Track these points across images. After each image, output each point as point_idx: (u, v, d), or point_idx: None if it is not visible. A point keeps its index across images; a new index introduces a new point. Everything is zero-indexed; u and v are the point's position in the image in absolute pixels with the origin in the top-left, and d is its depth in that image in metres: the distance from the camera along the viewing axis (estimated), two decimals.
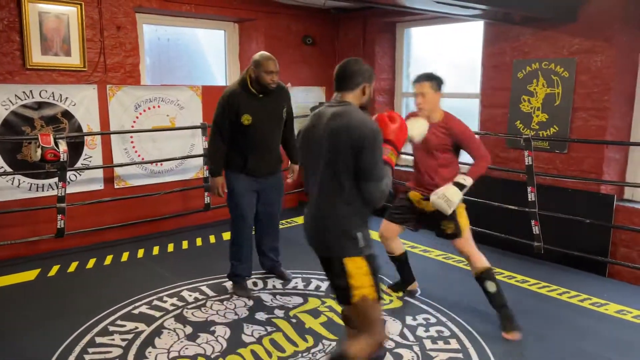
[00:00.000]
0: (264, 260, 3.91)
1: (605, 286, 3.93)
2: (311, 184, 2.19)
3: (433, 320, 3.28)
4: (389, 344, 2.93)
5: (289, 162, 3.88)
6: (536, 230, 4.23)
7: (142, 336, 3.00)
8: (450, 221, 3.25)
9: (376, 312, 2.20)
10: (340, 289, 2.14)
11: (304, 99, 6.13)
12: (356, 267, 2.09)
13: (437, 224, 3.33)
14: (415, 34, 6.11)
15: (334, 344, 2.94)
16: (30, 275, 3.93)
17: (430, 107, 3.23)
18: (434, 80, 3.22)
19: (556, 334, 3.15)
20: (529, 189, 4.23)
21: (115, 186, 4.83)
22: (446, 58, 5.82)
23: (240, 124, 3.40)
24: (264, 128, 3.48)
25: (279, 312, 3.34)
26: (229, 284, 3.74)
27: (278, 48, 5.86)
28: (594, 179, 4.21)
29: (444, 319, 3.28)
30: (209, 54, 5.94)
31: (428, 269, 4.24)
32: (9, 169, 4.22)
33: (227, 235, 4.98)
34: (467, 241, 3.30)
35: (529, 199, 4.23)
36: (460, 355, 2.87)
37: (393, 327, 3.18)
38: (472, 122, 5.31)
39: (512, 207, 4.43)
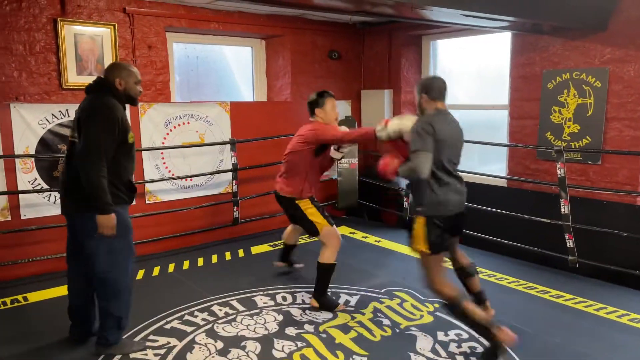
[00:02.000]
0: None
1: None
2: (452, 170, 3.00)
3: (465, 336, 3.22)
4: None
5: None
6: (570, 243, 4.13)
7: (175, 351, 3.03)
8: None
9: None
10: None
11: None
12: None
13: None
14: (441, 46, 6.09)
15: (364, 359, 2.92)
16: (64, 290, 4.01)
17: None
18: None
19: (595, 351, 3.05)
20: (562, 201, 4.14)
21: (147, 201, 4.92)
22: (473, 69, 5.78)
23: (126, 143, 2.87)
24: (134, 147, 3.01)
25: (309, 327, 3.33)
26: (258, 298, 3.75)
27: (304, 63, 5.93)
28: (629, 191, 4.10)
29: (476, 335, 3.22)
30: (236, 70, 6.04)
31: (459, 283, 4.17)
32: (45, 186, 4.35)
33: (255, 249, 5.04)
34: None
35: (562, 212, 4.14)
36: None
37: (424, 343, 3.13)
38: (501, 134, 5.25)
39: (544, 220, 4.34)
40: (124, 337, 3.08)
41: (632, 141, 4.14)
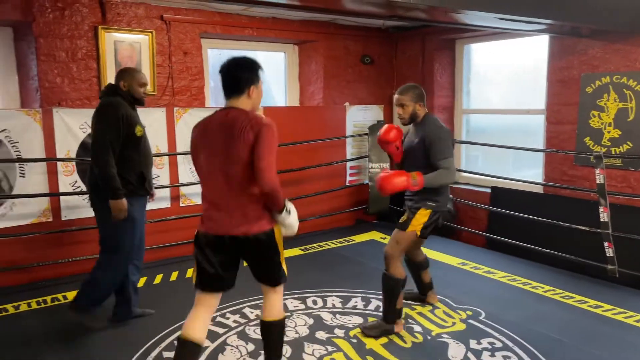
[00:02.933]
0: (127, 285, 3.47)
1: None
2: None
3: (499, 345, 3.16)
4: None
5: None
6: (610, 252, 4.01)
7: (207, 352, 3.07)
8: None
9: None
10: None
11: (362, 118, 6.16)
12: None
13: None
14: (476, 50, 6.01)
15: None
16: None
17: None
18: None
19: None
20: (601, 209, 4.02)
21: (181, 204, 5.02)
22: (508, 73, 5.68)
23: (133, 136, 3.19)
24: (147, 141, 3.37)
25: (339, 332, 3.32)
26: (289, 302, 3.77)
27: (337, 68, 5.96)
28: None
29: (510, 344, 3.15)
30: (269, 75, 6.10)
31: (492, 290, 4.10)
32: (85, 188, 4.48)
33: (287, 253, 5.02)
34: None
35: (602, 219, 4.01)
36: None
37: (456, 350, 3.09)
38: (536, 140, 5.15)
39: (582, 228, 4.21)
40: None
41: None
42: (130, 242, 3.28)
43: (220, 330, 3.36)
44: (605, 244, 4.03)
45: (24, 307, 3.80)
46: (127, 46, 4.60)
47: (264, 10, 5.06)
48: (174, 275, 4.46)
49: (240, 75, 2.41)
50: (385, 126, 3.34)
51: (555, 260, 4.49)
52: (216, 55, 5.55)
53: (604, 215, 4.00)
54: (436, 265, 4.73)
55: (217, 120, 2.41)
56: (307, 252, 5.14)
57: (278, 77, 6.11)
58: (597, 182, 4.03)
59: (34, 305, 3.82)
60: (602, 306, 3.75)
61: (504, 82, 5.79)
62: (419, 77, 6.13)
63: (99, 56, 4.46)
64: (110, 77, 4.52)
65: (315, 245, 5.34)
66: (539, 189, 5.03)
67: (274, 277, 2.60)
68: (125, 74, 3.30)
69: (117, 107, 3.16)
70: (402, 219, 3.33)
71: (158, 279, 4.39)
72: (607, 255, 4.03)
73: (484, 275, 4.46)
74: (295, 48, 6.05)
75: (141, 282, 4.30)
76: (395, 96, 3.33)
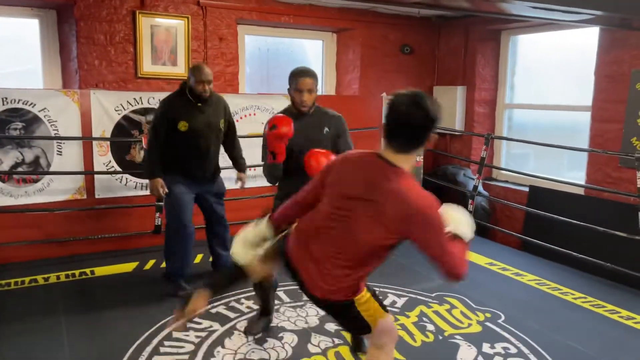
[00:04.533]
0: (215, 259, 4.10)
1: None
2: None
3: (513, 350, 3.02)
4: None
5: (237, 172, 4.10)
6: None
7: (214, 335, 3.11)
8: None
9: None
10: None
11: None
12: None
13: None
14: (522, 41, 5.73)
15: None
16: (128, 267, 4.27)
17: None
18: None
19: None
20: None
21: None
22: (557, 67, 5.39)
23: (177, 130, 3.53)
24: (201, 135, 3.61)
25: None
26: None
27: (374, 57, 5.84)
28: None
29: (526, 351, 3.01)
30: (307, 63, 6.07)
31: (517, 293, 3.94)
32: (118, 168, 4.63)
33: None
34: None
35: None
36: None
37: (466, 353, 2.98)
38: (582, 138, 4.86)
39: (621, 234, 3.95)
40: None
41: None
42: (170, 216, 3.69)
43: (232, 315, 3.40)
44: None
45: (53, 279, 3.98)
46: (163, 31, 4.68)
47: None
48: (198, 258, 4.54)
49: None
50: (278, 117, 2.73)
51: (590, 266, 4.24)
52: (254, 41, 5.57)
53: None
54: None
55: None
56: None
57: (316, 65, 6.06)
58: (638, 185, 3.76)
59: (63, 278, 4.00)
60: (635, 318, 3.51)
61: (552, 77, 5.49)
62: (461, 68, 5.92)
63: (136, 40, 4.57)
64: (145, 61, 4.64)
65: None
66: (579, 191, 4.76)
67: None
68: (190, 71, 3.62)
69: (163, 103, 3.66)
70: None
71: None
72: None
73: (512, 277, 4.28)
74: (334, 36, 5.97)
75: (197, 258, 4.43)
76: (307, 79, 2.82)
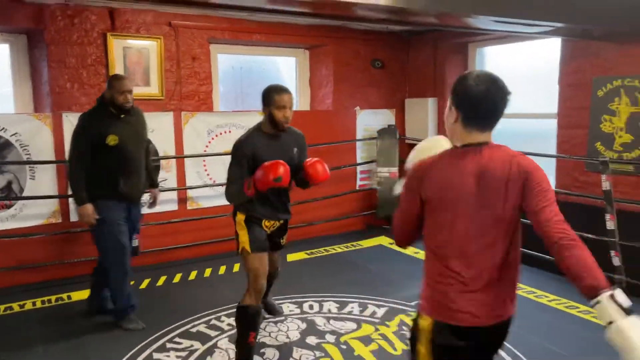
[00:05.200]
0: (100, 301, 3.69)
1: None
2: None
3: None
4: None
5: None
6: (617, 261, 3.86)
7: (195, 354, 3.10)
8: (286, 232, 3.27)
9: (250, 263, 2.91)
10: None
11: (373, 122, 6.12)
12: (238, 223, 2.95)
13: (281, 235, 3.22)
14: (489, 53, 5.90)
15: None
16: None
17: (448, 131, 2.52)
18: None
19: None
20: (608, 216, 3.88)
21: (188, 207, 5.09)
22: (523, 77, 5.55)
23: (105, 145, 3.28)
24: (132, 149, 3.41)
25: (330, 337, 3.31)
26: (285, 306, 3.78)
27: (346, 72, 5.94)
28: None
29: (503, 354, 3.07)
30: (280, 80, 6.14)
31: None
32: None
33: (291, 257, 5.07)
34: None
35: (608, 227, 3.88)
36: None
37: None
38: (551, 144, 5.01)
39: (589, 236, 4.07)
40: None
41: None
42: (105, 243, 3.41)
43: (213, 333, 3.39)
44: (612, 253, 3.89)
45: (29, 305, 3.92)
46: (135, 52, 4.70)
47: (272, 16, 5.09)
48: (177, 277, 4.52)
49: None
50: (281, 168, 2.69)
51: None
52: (227, 60, 5.62)
53: (610, 223, 3.86)
54: None
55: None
56: (312, 256, 5.13)
57: (289, 81, 6.14)
58: (603, 188, 3.90)
59: (39, 305, 3.94)
60: None
61: (519, 86, 5.66)
62: (431, 80, 6.06)
63: (108, 62, 4.58)
64: None
65: (321, 249, 5.33)
66: None
67: None
68: (108, 83, 3.41)
69: (83, 119, 3.38)
70: (285, 238, 3.29)
71: (161, 280, 4.46)
72: (614, 264, 3.89)
73: None
74: (306, 52, 6.07)
75: (145, 283, 4.39)
76: (286, 96, 2.84)
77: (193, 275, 4.59)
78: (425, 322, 1.68)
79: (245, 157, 2.82)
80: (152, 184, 3.82)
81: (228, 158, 5.09)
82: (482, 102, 1.68)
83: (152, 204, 3.92)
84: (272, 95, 2.84)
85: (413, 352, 1.75)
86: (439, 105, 6.02)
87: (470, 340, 1.66)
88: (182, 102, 4.99)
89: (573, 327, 3.51)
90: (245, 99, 5.84)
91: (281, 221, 3.09)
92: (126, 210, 3.46)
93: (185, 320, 3.59)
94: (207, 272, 4.66)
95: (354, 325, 3.49)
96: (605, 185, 3.88)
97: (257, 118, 5.33)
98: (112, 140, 3.31)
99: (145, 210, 3.93)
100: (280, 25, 5.40)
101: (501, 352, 3.06)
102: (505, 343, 1.80)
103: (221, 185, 5.16)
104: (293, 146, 3.00)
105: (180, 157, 4.97)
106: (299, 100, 6.12)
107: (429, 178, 1.69)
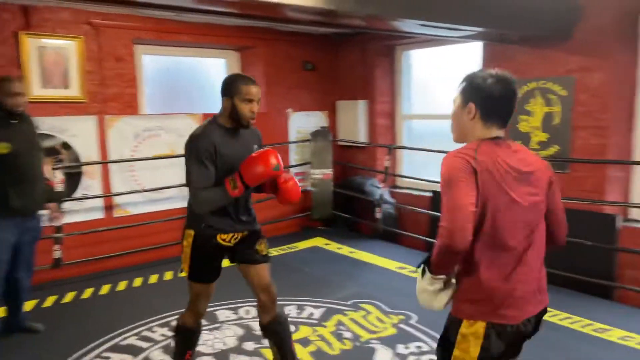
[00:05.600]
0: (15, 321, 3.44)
1: (611, 311, 3.77)
2: None
3: (426, 348, 3.18)
4: None
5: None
6: None
7: None
8: (264, 240, 2.68)
9: (191, 287, 2.61)
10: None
11: (305, 124, 6.14)
12: (187, 241, 2.52)
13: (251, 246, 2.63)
14: (416, 56, 6.09)
15: None
16: (27, 306, 3.94)
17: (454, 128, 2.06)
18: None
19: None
20: None
21: (115, 215, 4.87)
22: (448, 79, 5.78)
23: None
24: (26, 156, 3.12)
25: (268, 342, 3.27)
26: (220, 312, 3.70)
27: (278, 74, 5.93)
28: (595, 200, 4.09)
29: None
30: (210, 82, 6.02)
31: None
32: None
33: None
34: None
35: None
36: None
37: (383, 356, 3.08)
38: None
39: None
40: None
41: (598, 149, 4.13)
42: None
43: (145, 345, 3.26)
44: None
45: None
46: (52, 52, 4.43)
47: (200, 17, 4.98)
48: (105, 289, 4.30)
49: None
50: (274, 153, 2.40)
51: None
52: (154, 61, 5.43)
53: None
54: (375, 269, 4.76)
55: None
56: None
57: (219, 84, 6.01)
58: None
59: None
60: (551, 311, 3.83)
61: (445, 88, 5.89)
62: (361, 83, 6.17)
63: (21, 63, 4.28)
64: (34, 84, 4.35)
65: None
66: None
67: None
68: None
69: None
70: (263, 246, 2.69)
71: (88, 293, 4.22)
72: None
73: (414, 276, 4.49)
74: (236, 54, 5.99)
75: (69, 296, 4.14)
76: (255, 87, 2.44)
77: (122, 285, 4.39)
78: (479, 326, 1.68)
79: (208, 153, 2.34)
80: (51, 198, 3.55)
81: (157, 162, 5.04)
82: (504, 99, 1.74)
83: (54, 219, 3.70)
84: (238, 85, 2.41)
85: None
86: (369, 107, 6.14)
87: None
88: (106, 105, 4.77)
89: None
90: (174, 102, 5.67)
91: (244, 232, 2.60)
92: (20, 226, 3.15)
93: (115, 333, 3.42)
94: (138, 281, 4.48)
95: (291, 328, 3.46)
96: None
97: (187, 121, 5.24)
98: (3, 148, 3.00)
99: (67, 219, 3.71)
100: (208, 26, 5.30)
101: (435, 346, 3.17)
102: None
103: (150, 190, 4.99)
104: (253, 143, 2.58)
105: (105, 163, 4.75)
106: None
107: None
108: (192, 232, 2.50)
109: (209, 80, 5.96)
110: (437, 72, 5.87)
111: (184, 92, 5.77)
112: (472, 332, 1.68)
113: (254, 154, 2.37)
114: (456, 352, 1.70)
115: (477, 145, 1.70)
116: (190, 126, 5.23)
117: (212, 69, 5.98)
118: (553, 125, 4.38)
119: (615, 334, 3.35)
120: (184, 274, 2.60)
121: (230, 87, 2.44)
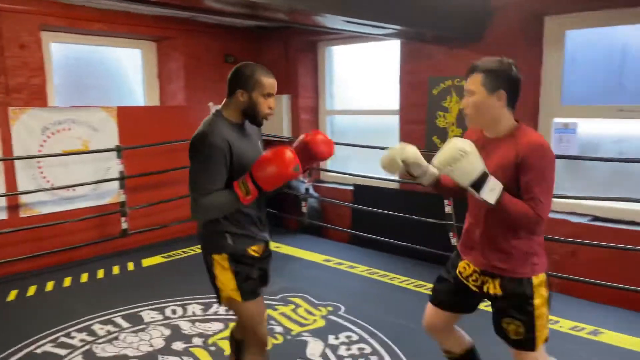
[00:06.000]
0: None
1: None
2: None
3: (355, 337, 3.26)
4: None
5: None
6: (454, 242, 4.35)
7: None
8: (518, 320, 1.98)
9: (244, 312, 2.22)
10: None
11: None
12: (220, 266, 2.14)
13: (494, 318, 2.08)
14: (339, 52, 6.18)
15: None
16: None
17: (480, 115, 1.98)
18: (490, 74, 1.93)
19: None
20: (446, 202, 4.35)
21: (21, 215, 4.50)
22: (369, 75, 5.93)
23: None
24: None
25: (198, 341, 3.20)
26: (145, 313, 3.56)
27: (198, 67, 5.77)
28: None
29: (366, 336, 3.27)
30: (125, 72, 5.73)
31: (353, 284, 4.24)
32: None
33: (147, 262, 4.79)
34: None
35: (446, 212, 4.35)
36: None
37: (315, 347, 3.12)
38: (394, 139, 5.43)
39: (431, 221, 4.53)
40: None
41: None
42: None
43: (63, 352, 3.05)
44: (450, 234, 4.36)
45: None
46: None
47: (115, 4, 4.72)
48: (12, 295, 3.97)
49: None
50: (285, 152, 2.01)
51: (410, 251, 4.77)
52: (62, 50, 5.07)
53: (448, 208, 4.33)
54: (302, 263, 4.80)
55: None
56: (170, 259, 4.90)
57: (135, 75, 5.75)
58: None
59: None
60: None
61: (366, 84, 6.03)
62: (283, 77, 6.15)
63: None
64: None
65: (179, 251, 5.11)
66: (396, 186, 5.32)
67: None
68: None
69: None
70: (513, 330, 2.02)
71: None
72: (452, 244, 4.37)
73: (347, 270, 4.60)
74: (153, 45, 5.74)
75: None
76: (274, 82, 2.20)
77: (32, 290, 4.08)
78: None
79: (222, 153, 2.02)
80: None
81: (68, 159, 4.72)
82: (521, 85, 1.97)
83: None
84: (259, 78, 2.12)
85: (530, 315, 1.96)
86: (292, 102, 6.15)
87: None
88: (10, 96, 4.39)
89: (422, 303, 3.85)
90: (86, 93, 5.33)
91: (267, 243, 2.31)
92: None
93: (27, 341, 3.18)
94: (50, 285, 4.18)
95: (221, 326, 3.42)
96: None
97: (101, 115, 4.95)
98: None
99: None
100: (123, 15, 5.03)
101: (364, 334, 3.26)
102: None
103: (61, 188, 4.67)
104: (257, 139, 2.32)
105: (8, 159, 4.37)
106: (147, 95, 5.78)
107: None
108: (225, 256, 2.13)
109: (123, 71, 5.68)
110: (358, 69, 6.00)
111: (97, 84, 5.45)
112: (540, 282, 1.98)
113: (266, 154, 2.02)
114: (536, 301, 1.95)
115: (533, 129, 2.05)
116: (105, 119, 4.97)
117: (126, 60, 5.70)
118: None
119: None
120: (232, 301, 2.19)
121: (249, 79, 2.11)
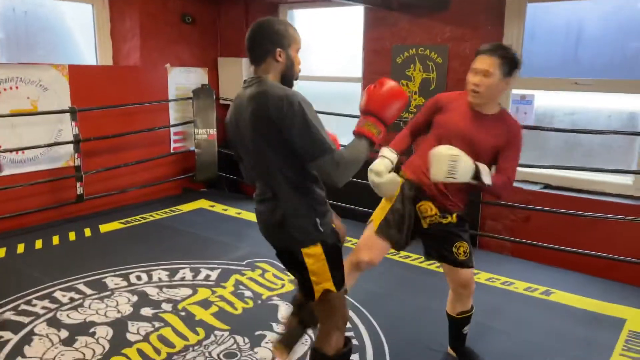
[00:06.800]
0: None
1: (476, 257, 4.26)
2: (256, 177, 1.95)
3: None
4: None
5: None
6: None
7: (9, 346, 2.67)
8: (464, 242, 2.45)
9: (337, 305, 2.02)
10: (306, 283, 1.94)
11: (185, 81, 5.84)
12: (315, 258, 1.88)
13: (444, 246, 2.45)
14: (301, 17, 6.07)
15: (226, 334, 2.87)
16: None
17: (489, 95, 2.30)
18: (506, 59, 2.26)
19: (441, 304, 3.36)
20: None
21: None
22: (332, 42, 5.87)
23: None
24: None
25: (167, 306, 3.17)
26: (109, 280, 3.48)
27: (154, 26, 5.53)
28: None
29: None
30: (75, 28, 5.39)
31: None
32: None
33: (104, 227, 4.65)
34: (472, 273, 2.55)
35: None
36: (355, 342, 2.85)
37: (286, 311, 3.17)
38: (356, 105, 5.45)
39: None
40: None
41: None
42: None
43: (26, 319, 2.96)
44: None
45: None
46: None
47: None
48: None
49: None
50: (386, 80, 1.91)
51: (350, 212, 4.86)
52: (6, 1, 4.70)
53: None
54: None
55: None
56: (128, 225, 4.78)
57: (87, 32, 5.43)
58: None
59: None
60: (411, 256, 4.19)
61: (328, 50, 5.97)
62: (243, 40, 5.98)
63: None
64: None
65: (138, 217, 4.99)
66: None
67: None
68: None
69: None
70: (462, 253, 2.45)
71: None
72: None
73: None
74: (105, 1, 5.42)
75: None
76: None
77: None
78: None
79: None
80: None
81: (16, 120, 4.44)
82: None
83: None
84: (293, 33, 1.88)
85: None
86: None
87: None
88: None
89: (386, 267, 3.98)
90: (34, 49, 5.00)
91: None
92: None
93: None
94: (1, 252, 3.99)
95: (189, 291, 3.40)
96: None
97: (52, 73, 4.66)
98: None
99: None
100: None
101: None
102: None
103: (8, 151, 4.41)
104: None
105: None
106: (99, 54, 5.49)
107: None
108: (319, 248, 1.88)
109: (72, 28, 5.34)
110: (321, 35, 5.93)
111: (44, 40, 5.11)
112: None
113: (383, 89, 1.84)
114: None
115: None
116: (56, 78, 4.70)
117: (76, 16, 5.35)
118: (430, 90, 4.72)
119: (482, 277, 3.82)
120: (327, 293, 1.94)
121: (284, 35, 1.85)
